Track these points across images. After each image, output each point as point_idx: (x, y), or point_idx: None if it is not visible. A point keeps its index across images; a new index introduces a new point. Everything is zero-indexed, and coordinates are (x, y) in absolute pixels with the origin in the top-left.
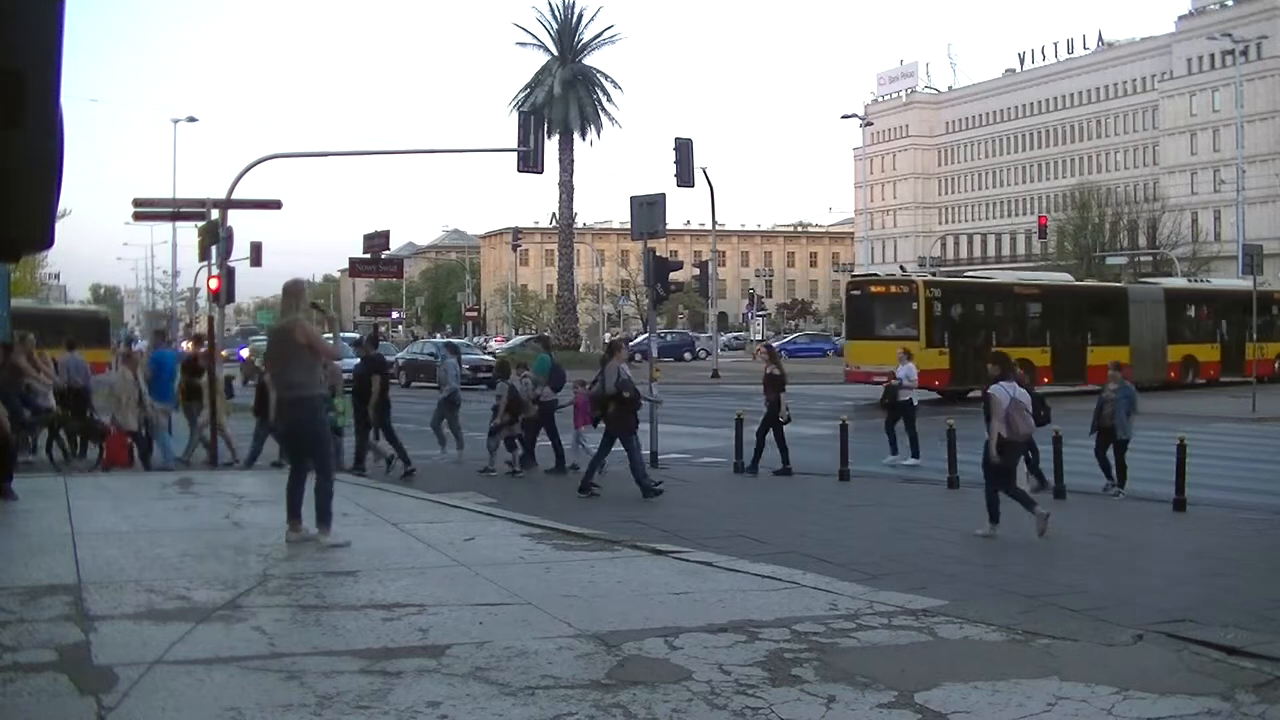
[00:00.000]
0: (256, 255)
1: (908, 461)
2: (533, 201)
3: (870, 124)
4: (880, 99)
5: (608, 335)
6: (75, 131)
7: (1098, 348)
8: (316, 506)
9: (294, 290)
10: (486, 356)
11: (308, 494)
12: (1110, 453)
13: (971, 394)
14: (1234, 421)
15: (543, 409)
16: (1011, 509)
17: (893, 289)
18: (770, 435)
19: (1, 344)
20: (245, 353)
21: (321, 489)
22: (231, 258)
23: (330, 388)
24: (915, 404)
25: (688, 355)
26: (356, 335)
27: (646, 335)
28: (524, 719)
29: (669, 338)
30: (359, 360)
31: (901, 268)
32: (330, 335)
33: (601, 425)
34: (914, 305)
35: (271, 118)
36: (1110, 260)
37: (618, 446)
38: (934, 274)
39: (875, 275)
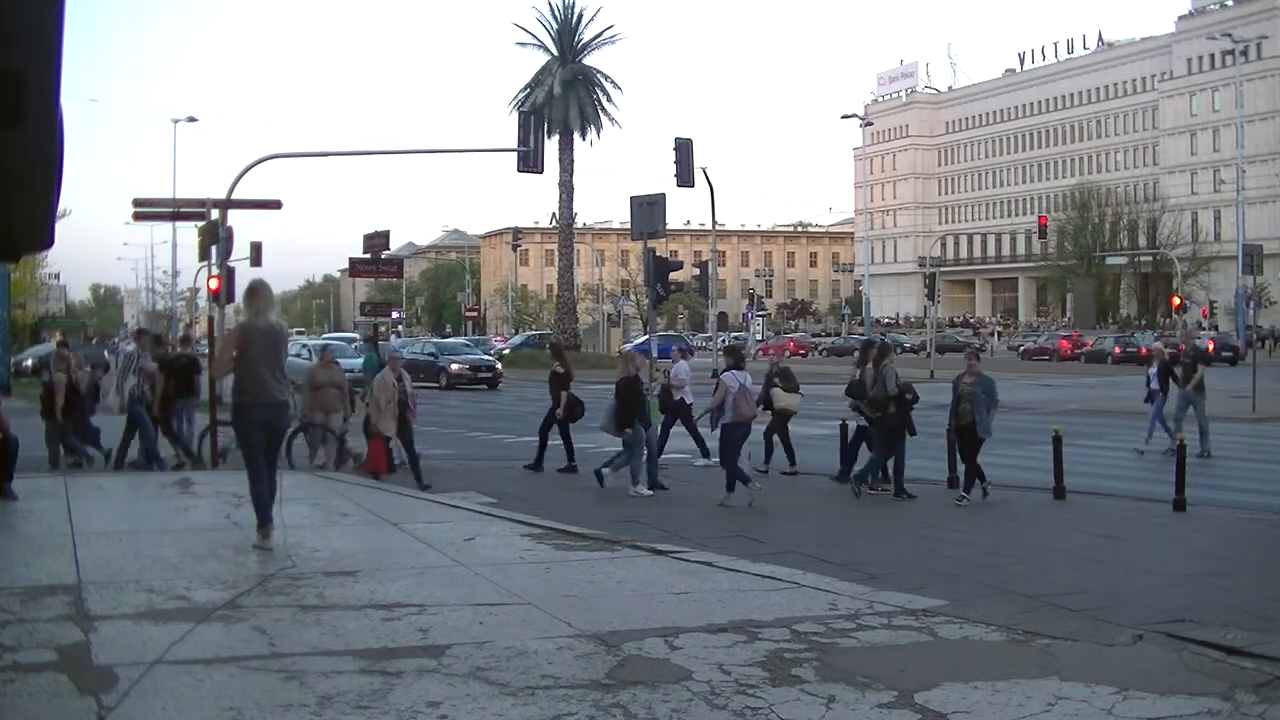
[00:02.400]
0: (256, 255)
1: (700, 462)
2: (533, 201)
3: (870, 124)
4: (880, 99)
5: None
6: (75, 131)
7: None
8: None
9: (269, 292)
10: (487, 357)
11: (283, 489)
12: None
13: None
14: (1234, 421)
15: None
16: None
17: None
18: (557, 430)
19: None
20: None
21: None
22: (231, 258)
23: None
24: (690, 403)
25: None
26: (356, 335)
27: (647, 336)
28: (524, 719)
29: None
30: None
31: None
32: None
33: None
34: None
35: (271, 118)
36: (1110, 260)
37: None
38: None
39: None
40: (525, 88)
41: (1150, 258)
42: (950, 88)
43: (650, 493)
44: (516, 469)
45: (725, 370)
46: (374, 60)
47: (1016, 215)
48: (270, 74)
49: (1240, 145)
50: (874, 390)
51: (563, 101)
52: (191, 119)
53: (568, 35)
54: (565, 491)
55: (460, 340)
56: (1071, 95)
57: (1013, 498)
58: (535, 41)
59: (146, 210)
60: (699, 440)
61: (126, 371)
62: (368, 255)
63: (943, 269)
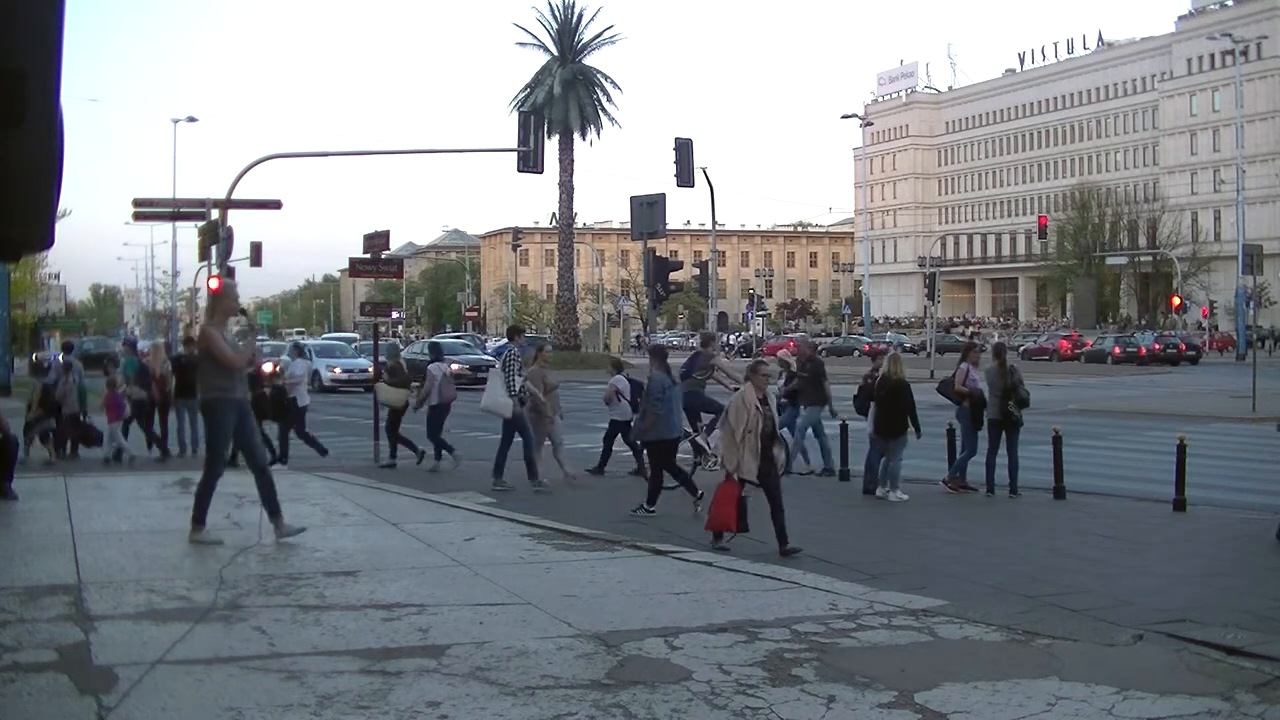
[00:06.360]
0: (256, 255)
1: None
2: (533, 201)
3: (870, 124)
4: (880, 99)
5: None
6: (75, 131)
7: None
8: (195, 503)
9: (212, 295)
10: (486, 357)
11: (281, 490)
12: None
13: None
14: (1234, 421)
15: (136, 406)
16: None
17: None
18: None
19: (704, 336)
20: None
21: (202, 488)
22: (231, 258)
23: None
24: (306, 405)
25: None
26: (356, 335)
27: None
28: (524, 719)
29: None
30: None
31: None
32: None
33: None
34: None
35: (271, 118)
36: (1110, 260)
37: None
38: None
39: None
40: (525, 88)
41: (1150, 258)
42: (950, 88)
43: (907, 498)
44: (516, 469)
45: (430, 364)
46: (374, 60)
47: (1016, 215)
48: (270, 74)
49: (1240, 145)
50: (1023, 390)
51: (563, 101)
52: (191, 119)
53: (568, 35)
54: (565, 491)
55: (461, 340)
56: (1071, 95)
57: (1013, 497)
58: (535, 42)
59: (146, 210)
60: (309, 442)
61: (511, 372)
62: (368, 255)
63: (943, 269)
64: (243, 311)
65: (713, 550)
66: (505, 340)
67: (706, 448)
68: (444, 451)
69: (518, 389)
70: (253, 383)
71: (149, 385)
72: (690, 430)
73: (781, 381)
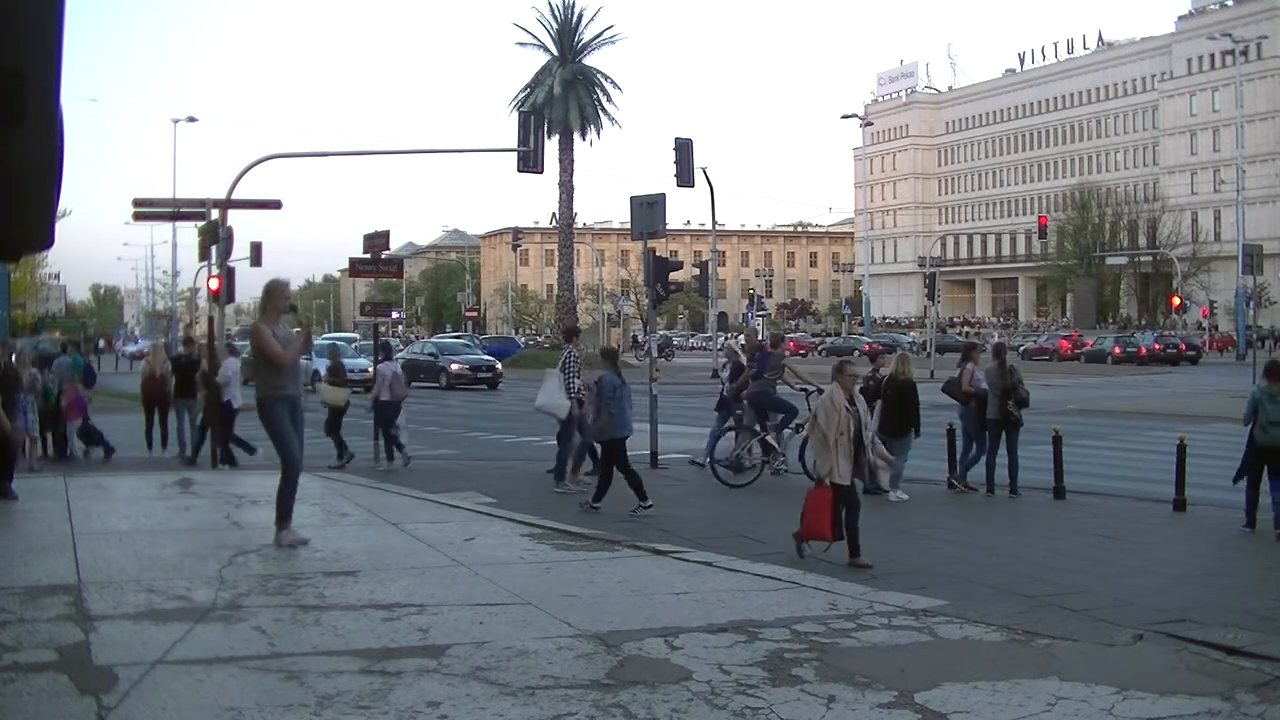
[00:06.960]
0: (256, 255)
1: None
2: (533, 201)
3: (870, 124)
4: (880, 99)
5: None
6: (75, 131)
7: None
8: (278, 502)
9: (265, 291)
10: (486, 357)
11: (301, 493)
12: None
13: None
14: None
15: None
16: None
17: None
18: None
19: (774, 337)
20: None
21: (283, 488)
22: (231, 258)
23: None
24: (237, 405)
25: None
26: (355, 335)
27: (650, 334)
28: (524, 719)
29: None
30: None
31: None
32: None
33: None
34: None
35: (271, 118)
36: (1110, 260)
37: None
38: None
39: None
40: (525, 88)
41: (1150, 258)
42: (950, 88)
43: (908, 497)
44: (517, 469)
45: (380, 363)
46: (374, 60)
47: (1016, 215)
48: (270, 74)
49: (1240, 145)
50: (1023, 390)
51: (563, 101)
52: (191, 119)
53: (568, 35)
54: (565, 493)
55: (461, 340)
56: (1071, 95)
57: (1013, 497)
58: (535, 42)
59: (146, 210)
60: (238, 444)
61: (569, 374)
62: (368, 255)
63: (943, 269)
64: (292, 308)
65: (798, 558)
66: (491, 338)
67: (775, 446)
68: (395, 450)
69: (576, 390)
70: (206, 380)
71: (94, 383)
72: (759, 429)
73: (726, 375)
